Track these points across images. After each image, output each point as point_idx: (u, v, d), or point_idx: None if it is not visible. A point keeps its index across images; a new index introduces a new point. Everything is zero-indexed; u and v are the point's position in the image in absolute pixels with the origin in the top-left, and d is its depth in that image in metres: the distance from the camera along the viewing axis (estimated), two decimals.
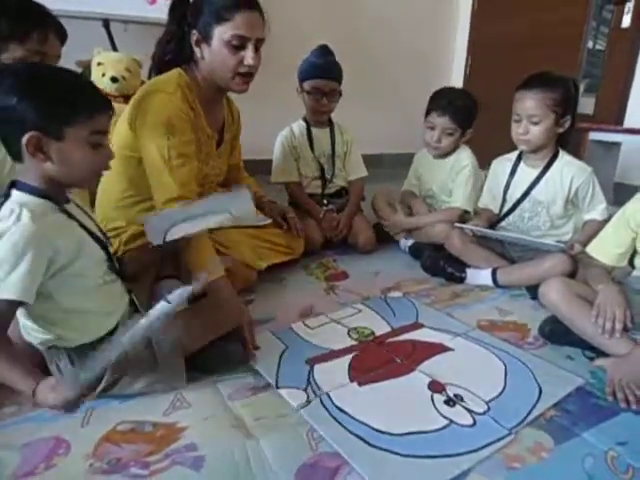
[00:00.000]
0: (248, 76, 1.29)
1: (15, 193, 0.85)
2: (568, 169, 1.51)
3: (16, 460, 0.78)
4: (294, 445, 0.84)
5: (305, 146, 1.96)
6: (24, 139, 0.80)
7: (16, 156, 0.84)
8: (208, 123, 1.36)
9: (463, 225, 1.66)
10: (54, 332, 0.89)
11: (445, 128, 1.81)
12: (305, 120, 1.98)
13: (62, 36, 1.03)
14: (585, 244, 1.44)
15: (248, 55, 1.24)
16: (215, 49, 1.23)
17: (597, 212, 1.52)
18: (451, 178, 1.87)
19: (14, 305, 0.81)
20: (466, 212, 1.82)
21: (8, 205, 0.83)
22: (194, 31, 1.25)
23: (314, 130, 1.97)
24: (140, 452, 0.81)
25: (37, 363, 0.96)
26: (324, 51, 1.87)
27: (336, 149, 1.99)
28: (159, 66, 1.34)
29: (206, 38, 1.23)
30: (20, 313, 0.88)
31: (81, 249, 0.89)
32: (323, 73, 1.85)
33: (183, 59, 1.31)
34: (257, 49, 1.26)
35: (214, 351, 1.04)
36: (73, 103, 0.83)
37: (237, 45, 1.22)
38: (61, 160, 0.83)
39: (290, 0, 3.00)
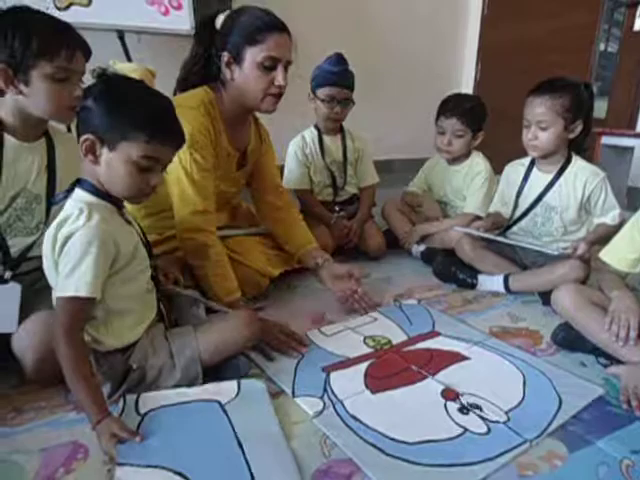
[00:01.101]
0: (278, 96, 1.31)
1: (78, 192, 0.90)
2: (582, 174, 1.50)
3: (36, 464, 0.80)
4: (307, 452, 0.85)
5: (316, 153, 1.97)
6: (81, 138, 0.87)
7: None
8: (230, 142, 1.38)
9: (464, 229, 1.66)
10: (90, 334, 0.91)
11: (454, 130, 1.82)
12: (316, 127, 2.00)
13: (87, 53, 1.07)
14: (592, 244, 1.44)
15: (279, 76, 1.26)
16: (246, 70, 1.26)
17: (609, 217, 1.51)
18: (466, 184, 1.88)
19: (87, 302, 0.86)
20: (479, 218, 1.82)
21: (74, 204, 0.89)
22: (225, 52, 1.27)
23: (325, 138, 1.98)
24: None
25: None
26: (339, 59, 1.89)
27: (347, 156, 2.00)
28: (184, 87, 1.36)
29: (237, 59, 1.26)
30: None
31: (135, 253, 0.94)
32: (337, 81, 1.87)
33: (208, 79, 1.34)
34: (286, 70, 1.28)
35: (223, 363, 1.04)
36: (137, 123, 0.86)
37: (269, 66, 1.24)
38: (107, 168, 0.89)
39: (300, 9, 3.04)
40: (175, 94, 1.39)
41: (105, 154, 0.88)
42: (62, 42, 1.00)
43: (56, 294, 0.87)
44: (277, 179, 1.61)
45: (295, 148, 1.97)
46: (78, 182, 0.92)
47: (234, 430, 0.88)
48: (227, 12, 1.31)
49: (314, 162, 1.97)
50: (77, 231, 0.85)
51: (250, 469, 0.79)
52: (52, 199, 0.92)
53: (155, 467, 0.79)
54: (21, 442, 0.85)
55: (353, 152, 2.02)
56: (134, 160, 0.87)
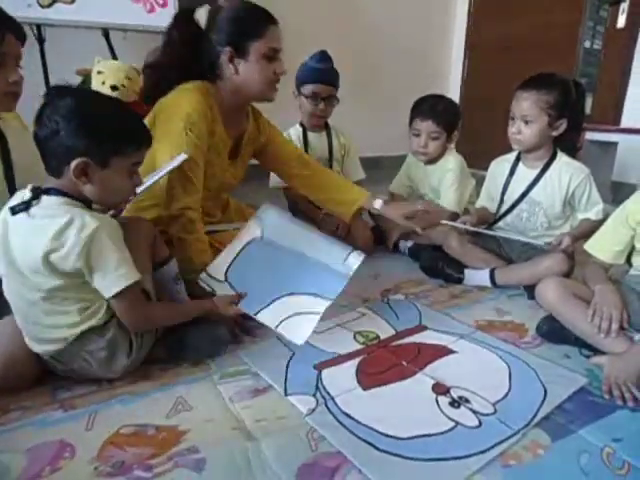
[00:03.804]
0: (277, 83, 1.37)
1: (52, 199, 0.89)
2: (566, 170, 1.52)
3: (22, 463, 0.80)
4: (294, 446, 0.85)
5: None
6: (73, 164, 0.87)
7: (54, 172, 0.90)
8: (225, 131, 1.39)
9: (451, 222, 1.67)
10: (94, 305, 0.96)
11: (430, 132, 1.82)
12: (301, 125, 2.00)
13: (21, 36, 1.04)
14: (576, 239, 1.46)
15: (280, 64, 1.33)
16: (252, 63, 1.30)
17: (592, 213, 1.53)
18: (440, 184, 1.90)
19: (138, 284, 0.95)
20: (455, 214, 1.83)
21: (59, 211, 0.88)
22: (227, 48, 1.29)
23: (310, 135, 1.99)
24: (143, 455, 0.82)
25: (41, 369, 0.99)
26: (323, 56, 1.91)
27: (333, 153, 2.01)
28: (164, 88, 1.34)
29: (241, 54, 1.29)
30: (46, 311, 0.93)
31: None
32: (322, 78, 1.88)
33: (194, 76, 1.33)
34: None
35: (204, 335, 1.10)
36: (123, 137, 0.92)
37: (271, 56, 1.30)
38: (101, 185, 0.92)
39: (288, 4, 3.04)
40: (146, 97, 1.38)
41: (98, 173, 0.90)
42: None
43: (109, 293, 0.91)
44: (295, 151, 1.66)
45: None
46: (45, 191, 0.90)
47: (284, 246, 1.19)
48: (205, 7, 1.31)
49: None
50: (94, 232, 0.87)
51: (317, 259, 1.15)
52: (13, 207, 0.90)
53: (272, 302, 1.11)
54: (7, 441, 0.85)
55: (339, 149, 2.03)
56: (127, 170, 0.94)
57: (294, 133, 2.00)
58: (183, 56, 1.33)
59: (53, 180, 0.91)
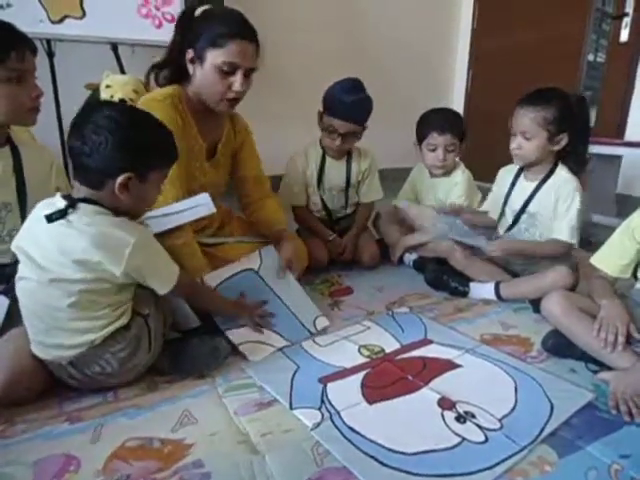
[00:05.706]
0: (234, 100, 1.34)
1: (94, 207, 0.93)
2: (561, 182, 1.52)
3: (28, 477, 0.80)
4: (299, 460, 0.85)
5: (314, 178, 1.88)
6: (119, 179, 0.92)
7: (94, 185, 0.93)
8: (199, 133, 1.40)
9: (405, 206, 1.69)
10: (124, 306, 1.00)
11: (447, 145, 1.83)
12: (322, 145, 1.88)
13: (35, 51, 1.08)
14: (513, 249, 1.55)
15: (237, 81, 1.29)
16: (206, 71, 1.29)
17: (557, 229, 1.50)
18: (447, 196, 1.90)
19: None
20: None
21: (95, 219, 0.93)
22: (189, 50, 1.31)
23: (329, 160, 1.87)
24: (149, 469, 0.82)
25: (47, 381, 1.00)
26: (353, 87, 1.70)
27: (350, 181, 1.90)
28: (158, 71, 1.40)
29: (200, 58, 1.29)
30: (73, 317, 0.95)
31: None
32: (343, 114, 1.70)
33: (181, 72, 1.36)
34: (247, 76, 1.31)
35: (204, 347, 1.12)
36: (162, 152, 1.00)
37: (227, 71, 1.28)
38: (138, 196, 0.97)
39: (293, 18, 3.08)
40: (148, 76, 1.43)
41: (137, 186, 0.95)
42: (10, 43, 1.00)
43: (165, 289, 1.02)
44: (256, 170, 1.62)
45: (296, 166, 1.87)
46: (81, 200, 0.93)
47: (269, 287, 1.36)
48: (204, 7, 1.33)
49: (311, 184, 1.90)
50: (142, 241, 0.95)
51: (289, 308, 1.34)
52: (50, 215, 0.91)
53: (242, 326, 1.25)
54: (13, 454, 0.85)
55: (357, 175, 1.92)
56: (159, 183, 1.02)
57: (314, 154, 1.87)
58: (177, 48, 1.35)
59: (85, 190, 0.94)
